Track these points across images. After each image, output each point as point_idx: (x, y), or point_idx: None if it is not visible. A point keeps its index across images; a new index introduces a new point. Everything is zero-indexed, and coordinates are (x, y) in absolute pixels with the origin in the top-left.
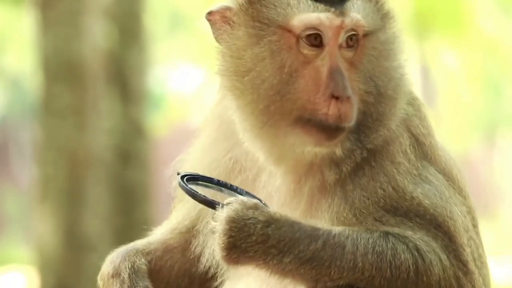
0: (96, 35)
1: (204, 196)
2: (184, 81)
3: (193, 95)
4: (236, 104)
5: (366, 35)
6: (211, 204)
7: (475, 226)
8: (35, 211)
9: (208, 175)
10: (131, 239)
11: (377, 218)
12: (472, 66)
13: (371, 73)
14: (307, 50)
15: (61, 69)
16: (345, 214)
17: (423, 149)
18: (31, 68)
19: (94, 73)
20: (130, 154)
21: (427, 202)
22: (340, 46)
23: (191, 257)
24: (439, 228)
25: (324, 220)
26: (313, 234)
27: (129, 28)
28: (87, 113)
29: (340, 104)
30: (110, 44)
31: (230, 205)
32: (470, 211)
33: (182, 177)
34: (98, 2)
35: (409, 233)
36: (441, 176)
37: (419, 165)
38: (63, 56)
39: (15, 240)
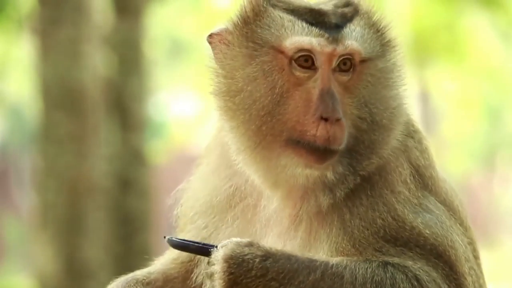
0: (96, 62)
1: (196, 243)
2: (184, 108)
3: (193, 121)
4: (229, 126)
5: (364, 61)
6: (205, 251)
7: (476, 257)
8: (35, 238)
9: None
10: (131, 267)
11: (377, 249)
12: (471, 92)
13: (366, 100)
14: (299, 72)
15: (61, 97)
16: (344, 245)
17: (423, 180)
18: (30, 96)
19: (94, 101)
20: (130, 181)
21: (427, 231)
22: (334, 70)
23: (192, 286)
24: (440, 257)
25: (323, 250)
26: (311, 265)
27: (128, 56)
28: (86, 140)
29: (329, 126)
30: (110, 72)
31: (225, 245)
32: (471, 243)
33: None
34: (97, 30)
35: (409, 263)
36: (441, 206)
37: (419, 194)
38: (62, 83)
39: (15, 267)
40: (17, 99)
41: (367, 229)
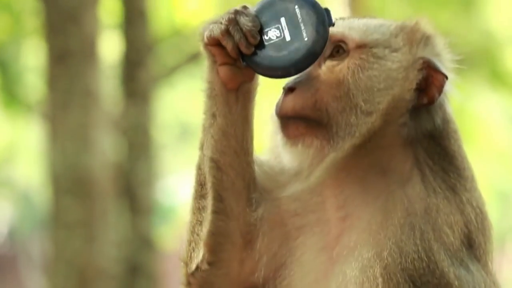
0: (105, 147)
1: None
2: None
3: None
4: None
5: (360, 47)
6: None
7: None
8: None
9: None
10: None
11: None
12: (481, 176)
13: (348, 81)
14: None
15: (70, 182)
16: (373, 270)
17: (472, 245)
18: (40, 181)
19: (103, 186)
20: (139, 266)
21: (456, 283)
22: (327, 57)
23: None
24: None
25: (351, 269)
26: None
27: (137, 140)
28: (96, 226)
29: (283, 97)
30: (119, 157)
31: None
32: None
33: None
34: (106, 115)
35: None
36: (485, 275)
37: (464, 250)
38: (72, 169)
39: None
40: (26, 185)
41: (400, 262)
